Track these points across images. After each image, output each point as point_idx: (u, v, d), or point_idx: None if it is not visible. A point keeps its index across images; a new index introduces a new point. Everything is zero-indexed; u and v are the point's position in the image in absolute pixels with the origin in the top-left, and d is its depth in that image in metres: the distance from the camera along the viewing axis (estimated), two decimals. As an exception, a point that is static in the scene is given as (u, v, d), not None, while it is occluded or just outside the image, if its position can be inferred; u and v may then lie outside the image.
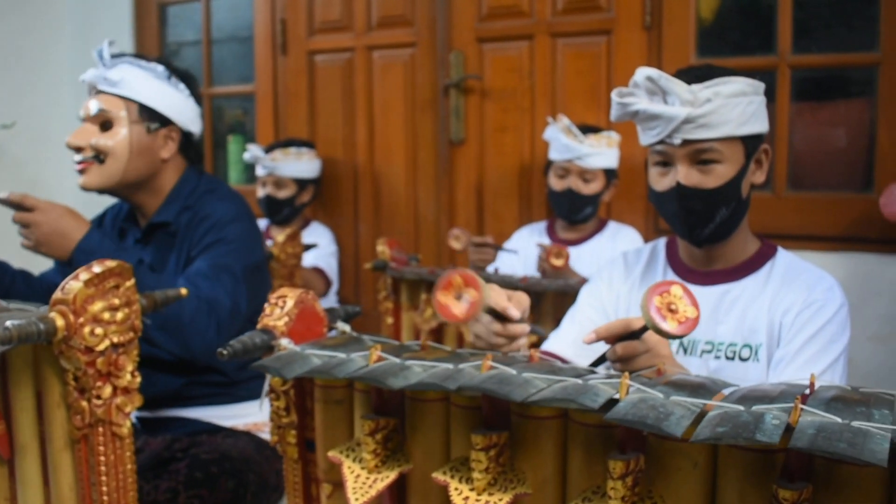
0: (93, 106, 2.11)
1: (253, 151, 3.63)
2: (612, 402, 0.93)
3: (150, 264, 2.14)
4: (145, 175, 2.17)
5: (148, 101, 2.14)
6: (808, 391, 0.96)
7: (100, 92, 2.13)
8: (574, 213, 3.00)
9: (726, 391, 0.97)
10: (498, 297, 1.39)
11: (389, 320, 2.83)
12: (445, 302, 1.28)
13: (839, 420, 0.84)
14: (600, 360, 1.43)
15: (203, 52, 4.40)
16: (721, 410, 0.89)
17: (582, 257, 2.93)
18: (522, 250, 3.08)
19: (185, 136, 2.25)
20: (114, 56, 2.15)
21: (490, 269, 2.81)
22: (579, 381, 0.98)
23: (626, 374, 0.97)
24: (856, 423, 0.83)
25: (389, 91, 3.82)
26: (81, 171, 2.12)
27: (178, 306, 1.84)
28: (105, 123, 2.11)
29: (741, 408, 0.88)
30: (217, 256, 2.06)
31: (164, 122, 2.18)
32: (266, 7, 4.12)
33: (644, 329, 1.33)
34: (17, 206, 1.89)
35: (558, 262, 2.65)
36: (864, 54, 2.94)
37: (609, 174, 3.00)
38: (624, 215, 3.26)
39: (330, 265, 3.73)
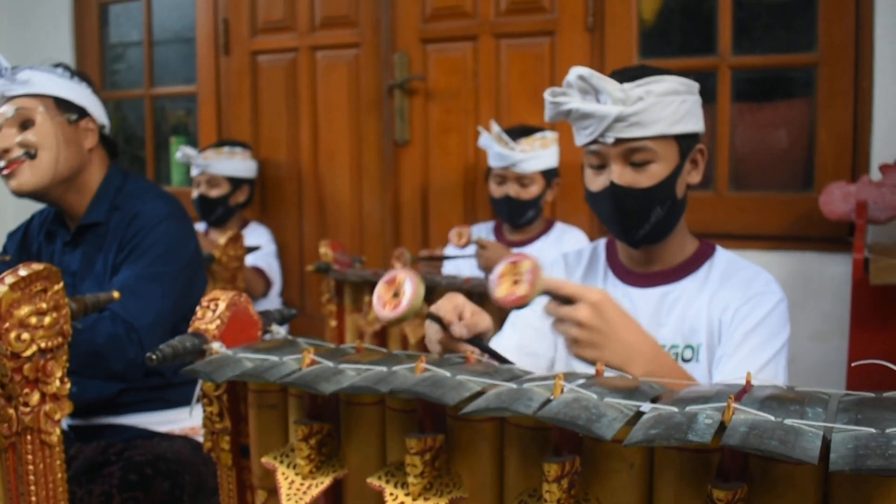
0: (7, 110, 2.08)
1: (185, 151, 3.60)
2: (548, 402, 0.91)
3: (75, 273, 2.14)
4: (75, 167, 2.14)
5: (61, 93, 2.13)
6: (744, 390, 0.96)
7: (10, 98, 2.10)
8: (516, 219, 3.00)
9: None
10: (449, 309, 1.36)
11: (333, 323, 2.81)
12: (381, 294, 1.26)
13: (772, 418, 0.83)
14: None
15: (144, 52, 4.33)
16: (655, 412, 0.88)
17: (528, 259, 2.92)
18: (470, 250, 3.07)
19: (101, 129, 2.23)
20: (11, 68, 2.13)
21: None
22: (514, 385, 0.96)
23: (560, 374, 0.96)
24: (788, 421, 0.83)
25: (333, 92, 3.79)
26: (11, 175, 2.07)
27: (90, 331, 1.82)
28: (25, 123, 2.08)
29: (675, 409, 0.88)
30: (147, 265, 2.03)
31: (81, 113, 2.17)
32: (208, 7, 4.07)
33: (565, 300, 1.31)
34: None
35: (460, 242, 2.66)
36: (803, 55, 2.98)
37: (548, 175, 2.99)
38: (569, 216, 3.26)
39: (270, 265, 3.69)
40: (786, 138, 3.07)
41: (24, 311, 1.28)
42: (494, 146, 2.94)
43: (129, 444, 2.11)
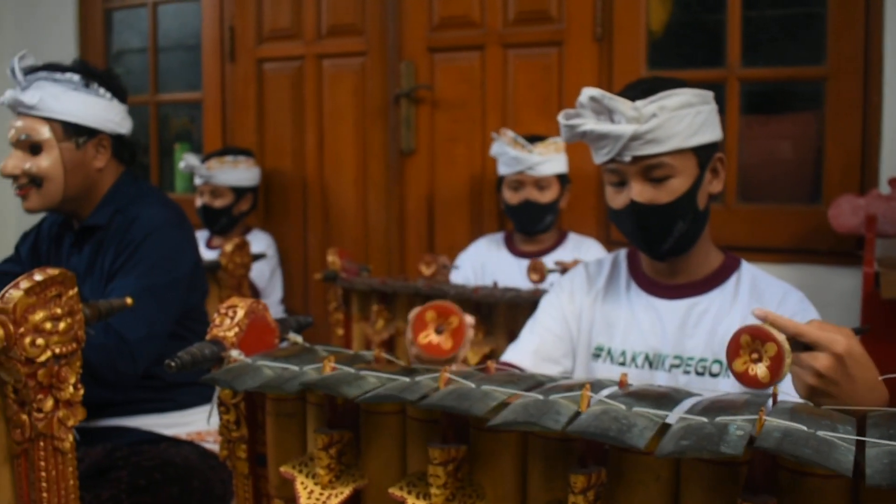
0: (17, 131, 2.09)
1: (188, 160, 3.57)
2: (576, 415, 0.90)
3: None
4: (84, 188, 2.16)
5: (70, 117, 2.11)
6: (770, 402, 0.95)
7: (21, 114, 2.11)
8: (535, 224, 2.98)
9: (690, 401, 0.95)
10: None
11: (340, 332, 2.80)
12: (427, 342, 1.24)
13: (804, 428, 0.83)
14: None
15: (149, 58, 4.33)
16: (684, 423, 0.87)
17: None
18: (480, 261, 3.05)
19: (116, 140, 2.22)
20: (27, 72, 2.11)
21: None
22: (539, 396, 0.95)
23: (588, 385, 0.95)
24: (821, 433, 0.82)
25: (339, 100, 3.78)
26: (21, 197, 2.12)
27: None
28: (33, 147, 2.09)
29: (705, 419, 0.87)
30: (141, 275, 2.03)
31: (92, 133, 2.16)
32: (214, 14, 4.06)
33: (804, 345, 1.23)
34: None
35: (535, 277, 2.58)
36: (812, 68, 2.98)
37: (562, 179, 3.00)
38: (576, 226, 3.25)
39: (261, 272, 3.64)
40: (794, 151, 3.06)
41: (38, 316, 1.27)
42: (509, 151, 2.92)
43: (136, 448, 2.10)
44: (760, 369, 1.13)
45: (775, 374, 1.12)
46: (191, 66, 4.27)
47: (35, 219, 2.38)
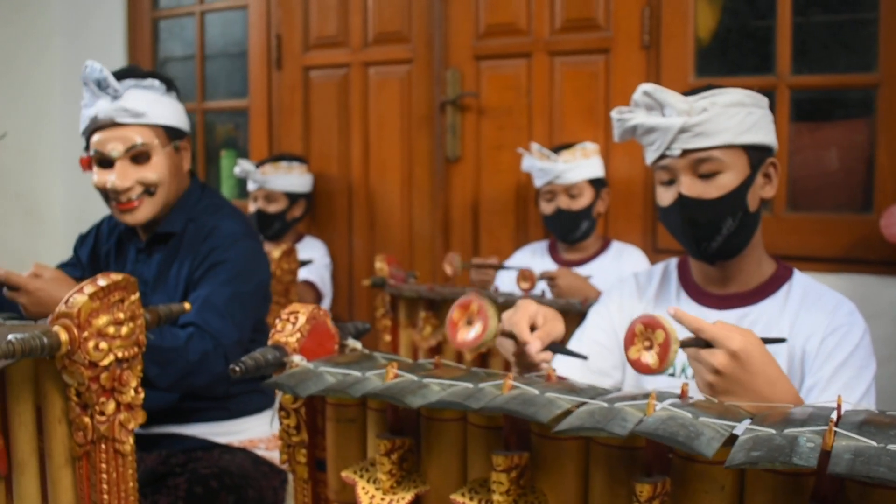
0: (120, 142, 2.05)
1: (243, 166, 3.62)
2: (642, 422, 0.90)
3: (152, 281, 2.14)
4: (180, 192, 2.17)
5: (169, 121, 2.12)
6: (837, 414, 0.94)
7: (118, 124, 2.06)
8: (570, 232, 2.98)
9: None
10: (523, 322, 1.36)
11: (387, 338, 2.81)
12: (456, 321, 1.26)
13: (874, 443, 0.82)
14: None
15: (196, 66, 4.38)
16: (752, 433, 0.87)
17: (587, 279, 2.90)
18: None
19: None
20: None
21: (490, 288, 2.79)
22: (604, 403, 0.95)
23: (654, 393, 0.95)
24: (892, 447, 0.81)
25: (385, 107, 3.80)
26: (127, 210, 2.08)
27: (182, 345, 1.82)
28: (139, 156, 2.07)
29: (773, 431, 0.87)
30: (225, 282, 2.03)
31: (181, 135, 2.18)
32: (261, 22, 4.10)
33: (705, 342, 1.27)
34: (3, 283, 1.87)
35: (524, 286, 2.62)
36: (863, 75, 2.94)
37: (595, 184, 2.99)
38: (621, 234, 3.24)
39: (322, 278, 3.70)
40: (844, 159, 3.02)
41: (102, 320, 1.29)
42: (536, 163, 2.97)
43: (192, 455, 2.12)
44: (651, 356, 1.21)
45: (663, 360, 1.20)
46: (236, 73, 4.31)
47: (83, 223, 2.38)
